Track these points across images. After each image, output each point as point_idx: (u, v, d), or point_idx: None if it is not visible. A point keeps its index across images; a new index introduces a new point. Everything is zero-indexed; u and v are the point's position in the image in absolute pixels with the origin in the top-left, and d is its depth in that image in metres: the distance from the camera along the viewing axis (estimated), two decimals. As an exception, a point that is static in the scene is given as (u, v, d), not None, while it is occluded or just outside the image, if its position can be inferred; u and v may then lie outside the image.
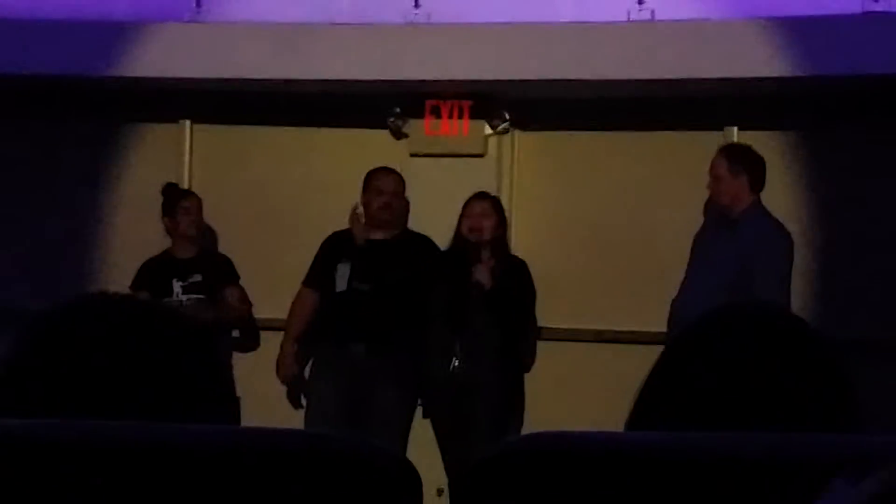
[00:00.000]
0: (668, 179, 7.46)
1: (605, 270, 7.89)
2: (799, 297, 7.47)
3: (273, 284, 7.97)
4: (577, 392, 7.71)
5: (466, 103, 8.01)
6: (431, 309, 7.40)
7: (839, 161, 7.69)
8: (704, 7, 7.59)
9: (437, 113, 8.06)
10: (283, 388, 7.79)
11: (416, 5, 7.91)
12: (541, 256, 7.78)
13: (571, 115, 8.01)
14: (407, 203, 7.86)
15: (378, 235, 7.64)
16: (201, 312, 7.40)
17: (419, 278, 7.50)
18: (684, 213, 7.51)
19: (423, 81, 7.79)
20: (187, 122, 8.55)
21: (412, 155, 8.10)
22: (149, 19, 8.01)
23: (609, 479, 1.62)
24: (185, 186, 8.23)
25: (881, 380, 7.13)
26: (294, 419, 7.58)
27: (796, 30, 7.25)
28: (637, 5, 7.63)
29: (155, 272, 7.74)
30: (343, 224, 7.70)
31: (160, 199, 7.93)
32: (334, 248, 7.65)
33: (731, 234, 7.01)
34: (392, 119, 8.13)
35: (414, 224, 7.86)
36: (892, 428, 1.79)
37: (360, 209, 7.62)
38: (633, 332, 7.50)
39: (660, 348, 1.90)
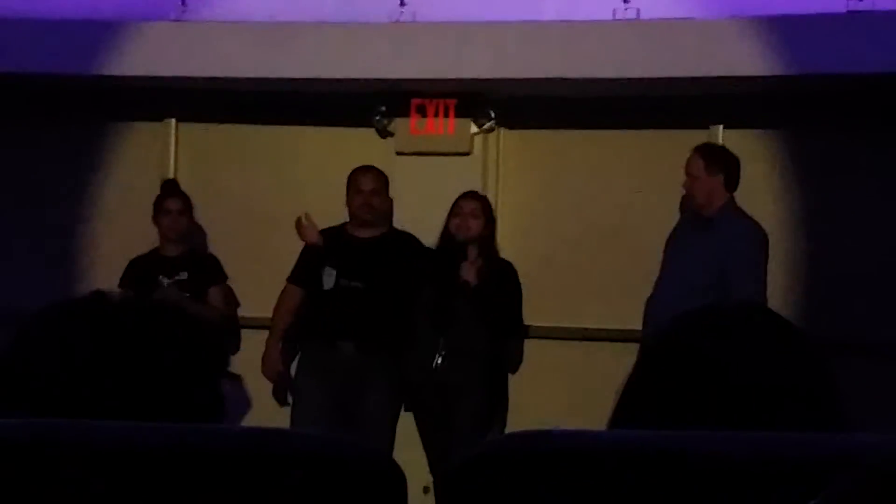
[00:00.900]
0: (654, 177, 7.48)
1: (591, 268, 7.90)
2: (784, 296, 7.49)
3: (258, 282, 7.98)
4: (561, 390, 7.72)
5: (452, 102, 8.02)
6: (417, 306, 7.40)
7: (824, 159, 7.71)
8: (690, 6, 7.60)
9: (422, 111, 8.07)
10: (269, 386, 7.78)
11: (402, 4, 7.91)
12: (526, 254, 7.79)
13: (557, 113, 8.02)
14: (390, 201, 7.86)
15: (364, 234, 7.64)
16: (182, 299, 7.42)
17: (406, 276, 7.50)
18: (669, 212, 7.53)
19: (409, 80, 7.80)
20: (173, 121, 8.55)
21: (398, 153, 8.11)
22: (135, 18, 8.00)
23: (591, 477, 1.63)
24: (171, 184, 8.21)
25: (870, 380, 7.16)
26: (280, 417, 7.58)
27: (781, 28, 7.27)
28: (622, 4, 7.64)
29: (142, 269, 7.74)
30: (329, 222, 7.70)
31: (148, 197, 7.92)
32: (320, 246, 7.65)
33: (706, 233, 7.04)
34: (378, 118, 8.14)
35: (400, 222, 7.87)
36: (881, 427, 1.80)
37: (306, 219, 7.57)
38: (618, 331, 7.51)
39: (643, 346, 1.91)
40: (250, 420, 7.16)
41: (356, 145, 8.15)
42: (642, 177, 7.77)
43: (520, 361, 7.77)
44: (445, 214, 7.53)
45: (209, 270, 7.81)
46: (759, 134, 7.85)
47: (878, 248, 7.51)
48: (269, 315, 7.74)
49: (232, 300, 8.01)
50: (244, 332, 8.09)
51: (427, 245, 7.62)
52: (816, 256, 7.70)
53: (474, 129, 8.10)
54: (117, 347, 1.75)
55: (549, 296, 7.80)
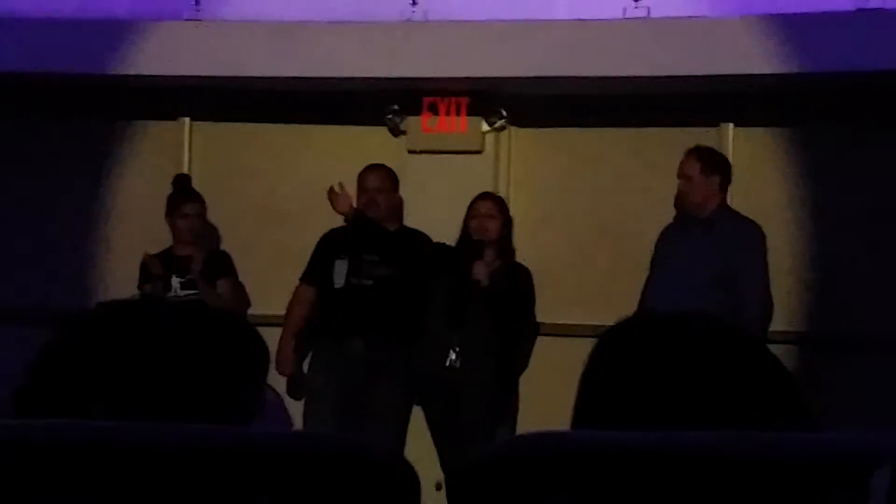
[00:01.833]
0: (664, 175, 7.49)
1: (602, 266, 7.93)
2: (794, 294, 7.51)
3: (272, 280, 8.00)
4: (571, 387, 7.73)
5: (464, 100, 8.04)
6: (432, 304, 7.43)
7: (834, 157, 7.71)
8: (699, 4, 7.62)
9: (434, 110, 8.09)
10: (282, 383, 7.82)
11: (414, 3, 7.93)
12: (537, 252, 7.81)
13: (568, 111, 8.03)
14: (399, 199, 7.89)
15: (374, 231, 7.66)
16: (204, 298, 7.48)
17: (416, 274, 7.53)
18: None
19: (421, 79, 7.82)
20: (187, 120, 8.58)
21: (410, 152, 8.13)
22: (148, 17, 8.04)
23: (606, 477, 1.64)
24: (185, 182, 8.23)
25: (879, 377, 7.18)
26: (292, 414, 7.63)
27: (791, 27, 7.28)
28: (633, 2, 7.66)
29: (159, 266, 7.77)
30: (340, 221, 7.72)
31: (163, 195, 7.95)
32: (332, 244, 7.68)
33: (705, 233, 7.08)
34: (390, 116, 8.17)
35: (411, 220, 7.89)
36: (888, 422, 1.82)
37: (339, 188, 7.61)
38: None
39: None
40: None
41: (368, 144, 8.18)
42: (652, 174, 7.78)
43: (526, 363, 7.78)
44: (457, 212, 7.55)
45: (219, 265, 7.85)
46: (769, 132, 7.86)
47: (890, 247, 7.52)
48: (282, 313, 7.77)
49: (242, 296, 8.03)
50: (260, 330, 8.09)
51: (438, 242, 7.64)
52: (827, 254, 7.70)
53: (486, 127, 8.12)
54: (164, 349, 1.76)
55: (560, 293, 7.82)
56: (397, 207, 7.88)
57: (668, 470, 1.63)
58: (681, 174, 7.23)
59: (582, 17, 7.62)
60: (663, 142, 7.80)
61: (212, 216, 8.14)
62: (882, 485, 1.51)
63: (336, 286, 7.57)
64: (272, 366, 7.74)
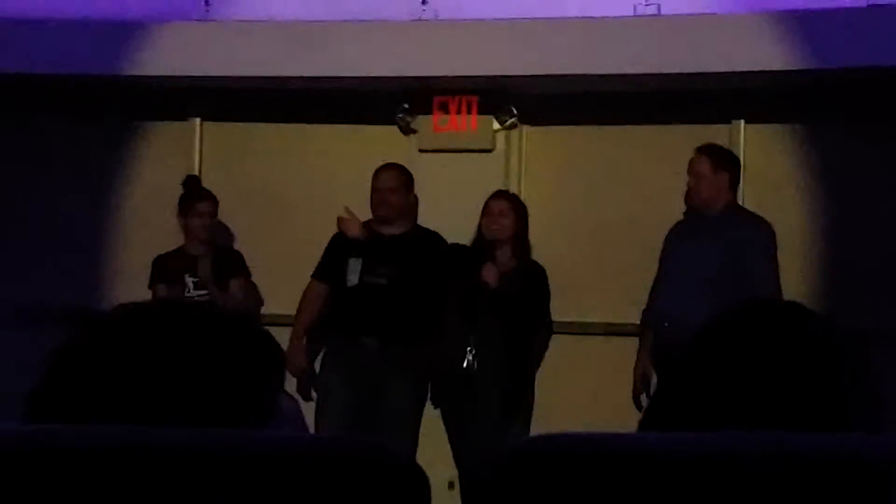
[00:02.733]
0: (676, 173, 7.48)
1: (614, 264, 7.92)
2: (805, 290, 7.50)
3: (284, 279, 8.01)
4: (584, 385, 7.73)
5: (474, 99, 8.04)
6: (448, 303, 7.43)
7: (845, 153, 7.70)
8: (710, 1, 7.61)
9: (445, 109, 8.09)
10: (293, 382, 7.82)
11: (424, 2, 7.94)
12: (549, 250, 7.80)
13: (579, 109, 8.03)
14: (414, 199, 7.89)
15: (387, 231, 7.67)
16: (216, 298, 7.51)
17: (429, 273, 7.53)
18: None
19: (431, 77, 7.82)
20: (197, 120, 8.60)
21: (421, 151, 8.14)
22: (158, 19, 8.05)
23: (619, 480, 1.64)
24: (197, 183, 8.25)
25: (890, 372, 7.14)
26: (305, 413, 7.62)
27: (802, 23, 7.27)
28: (643, 0, 7.66)
29: (168, 268, 7.80)
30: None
31: (174, 195, 7.96)
32: (345, 242, 7.67)
33: (714, 232, 7.07)
34: (401, 115, 8.17)
35: (423, 219, 7.89)
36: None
37: (347, 213, 7.61)
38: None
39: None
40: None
41: (380, 143, 8.18)
42: (664, 172, 7.77)
43: (539, 360, 7.77)
44: (468, 211, 7.55)
45: (231, 264, 7.86)
46: (781, 128, 7.85)
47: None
48: (292, 312, 7.78)
49: (254, 295, 8.04)
50: (271, 329, 8.10)
51: (454, 243, 7.63)
52: (839, 250, 7.70)
53: (497, 125, 8.12)
54: (179, 353, 1.76)
55: (572, 291, 7.81)
56: (411, 207, 7.87)
57: (683, 473, 1.63)
58: (690, 171, 7.23)
59: (593, 16, 7.62)
60: (675, 139, 7.79)
61: (223, 216, 8.15)
62: None
63: (350, 284, 7.56)
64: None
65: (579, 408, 7.46)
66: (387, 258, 7.55)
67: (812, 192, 7.79)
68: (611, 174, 8.05)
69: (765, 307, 1.96)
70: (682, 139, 7.63)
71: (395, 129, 8.23)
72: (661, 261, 7.28)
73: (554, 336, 7.83)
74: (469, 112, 8.06)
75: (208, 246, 7.86)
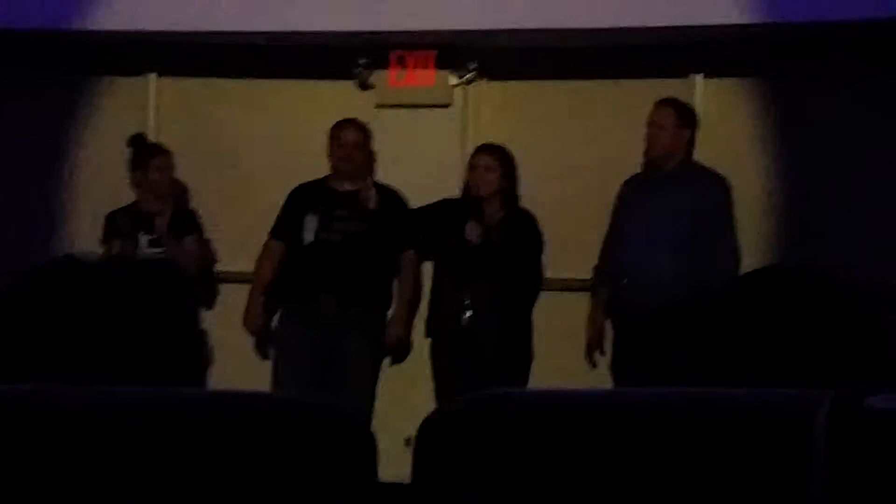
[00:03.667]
0: (633, 127, 7.47)
1: (568, 218, 7.89)
2: (764, 247, 7.52)
3: (240, 236, 7.98)
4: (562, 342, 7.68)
5: (432, 54, 8.00)
6: (437, 262, 7.37)
7: (804, 108, 7.71)
8: (668, -45, 7.58)
9: (402, 63, 8.05)
10: (251, 340, 7.80)
11: (380, -45, 7.87)
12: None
13: (537, 64, 8.00)
14: (372, 155, 7.86)
15: (345, 187, 7.64)
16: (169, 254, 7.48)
17: (387, 229, 7.51)
18: (650, 162, 7.52)
19: (389, 32, 7.78)
20: (153, 75, 8.52)
21: (378, 106, 8.10)
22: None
23: (566, 434, 1.65)
24: (151, 139, 8.18)
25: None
26: (262, 371, 7.61)
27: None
28: (601, -46, 7.62)
29: (122, 224, 7.73)
30: (310, 175, 7.70)
31: (126, 152, 7.90)
32: (301, 199, 7.64)
33: (671, 187, 7.07)
34: (358, 70, 8.12)
35: (380, 175, 7.86)
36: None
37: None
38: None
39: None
40: (232, 375, 7.16)
41: (336, 98, 8.13)
42: (621, 126, 7.76)
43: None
44: (425, 167, 7.53)
45: (185, 221, 7.81)
46: (739, 82, 7.85)
47: (857, 197, 7.53)
48: (252, 269, 7.75)
49: (208, 253, 8.00)
50: (228, 287, 8.09)
51: (407, 198, 7.61)
52: (795, 206, 7.71)
53: (455, 80, 8.08)
54: (93, 310, 1.75)
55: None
56: (370, 163, 7.84)
57: (622, 426, 1.65)
58: (652, 123, 7.21)
59: (550, -31, 7.58)
60: (633, 93, 7.78)
61: (180, 172, 8.09)
62: (821, 428, 1.58)
63: (306, 242, 7.53)
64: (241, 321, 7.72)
65: (564, 365, 7.40)
66: (343, 215, 7.52)
67: (771, 145, 7.79)
68: (569, 129, 8.03)
69: (786, 274, 1.99)
70: (640, 93, 7.62)
71: (351, 84, 8.18)
72: (615, 215, 7.26)
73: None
74: (426, 67, 8.03)
75: (165, 202, 7.80)
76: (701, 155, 7.41)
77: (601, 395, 1.68)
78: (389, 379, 7.59)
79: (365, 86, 8.17)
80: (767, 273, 1.94)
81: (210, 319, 7.62)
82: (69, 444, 1.61)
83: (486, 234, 7.29)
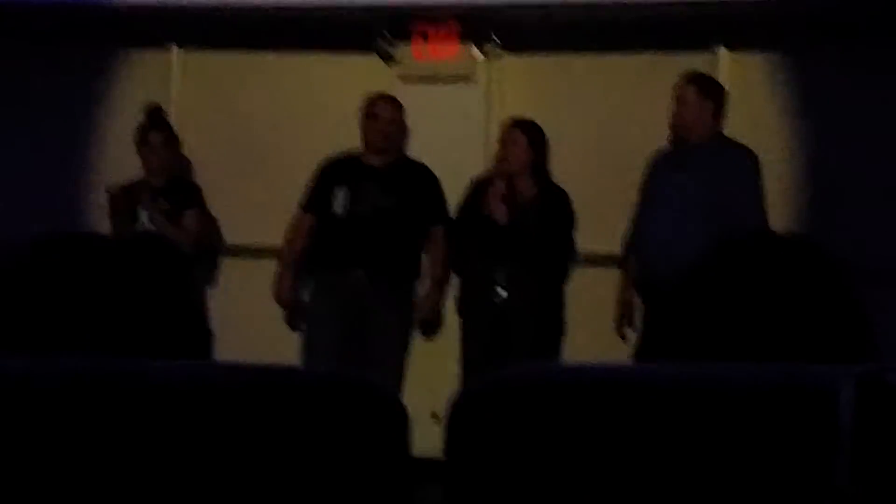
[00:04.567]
0: (658, 101, 7.45)
1: (593, 193, 7.87)
2: (791, 223, 7.50)
3: (266, 211, 7.98)
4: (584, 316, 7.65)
5: (455, 27, 7.98)
6: (468, 241, 7.31)
7: (828, 81, 7.67)
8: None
9: (425, 37, 8.03)
10: (280, 314, 7.80)
11: (404, -72, 7.86)
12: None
13: (561, 38, 7.98)
14: (406, 130, 7.83)
15: (376, 161, 7.61)
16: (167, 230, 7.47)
17: (417, 204, 7.49)
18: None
19: (412, 5, 7.76)
20: (175, 47, 8.52)
21: (401, 79, 8.08)
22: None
23: (598, 410, 1.65)
24: (172, 112, 8.17)
25: (877, 308, 7.14)
26: (292, 344, 7.61)
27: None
28: (626, -74, 7.59)
29: (123, 199, 7.73)
30: (332, 148, 7.68)
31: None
32: (332, 172, 7.62)
33: (698, 162, 7.02)
34: (381, 44, 8.10)
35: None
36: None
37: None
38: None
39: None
40: (260, 349, 7.17)
41: (359, 72, 8.12)
42: (645, 100, 7.73)
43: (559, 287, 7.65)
44: (447, 141, 7.50)
45: (186, 196, 7.79)
46: (764, 56, 7.81)
47: (882, 173, 7.50)
48: (273, 243, 7.74)
49: (211, 227, 7.97)
50: (252, 261, 8.09)
51: (433, 172, 7.59)
52: (819, 181, 7.68)
53: (478, 54, 8.06)
54: (91, 285, 1.74)
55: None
56: (403, 138, 7.82)
57: (651, 402, 1.65)
58: (675, 98, 7.18)
59: (574, -58, 7.55)
60: (657, 67, 7.75)
61: (199, 146, 8.08)
62: (848, 399, 1.58)
63: (336, 215, 7.50)
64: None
65: (593, 339, 7.37)
66: (373, 189, 7.50)
67: (796, 120, 7.76)
68: (593, 103, 8.00)
69: (769, 238, 1.97)
70: (664, 67, 7.58)
71: (375, 57, 8.17)
72: (644, 189, 7.23)
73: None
74: (450, 41, 8.01)
75: (165, 175, 7.78)
76: (725, 129, 7.38)
77: (632, 371, 1.67)
78: (418, 352, 7.57)
79: (388, 59, 8.15)
80: (749, 241, 1.92)
81: (236, 293, 7.61)
82: (88, 420, 1.60)
83: (518, 213, 7.24)
